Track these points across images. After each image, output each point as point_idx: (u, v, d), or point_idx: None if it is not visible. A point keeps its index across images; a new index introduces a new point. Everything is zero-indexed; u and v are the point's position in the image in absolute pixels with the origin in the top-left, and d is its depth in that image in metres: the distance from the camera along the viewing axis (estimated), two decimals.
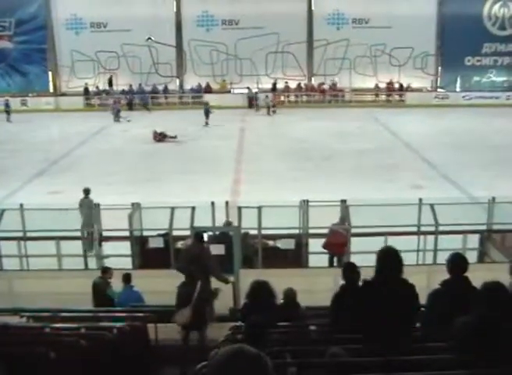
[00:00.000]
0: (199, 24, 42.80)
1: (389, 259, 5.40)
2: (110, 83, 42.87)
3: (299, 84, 42.79)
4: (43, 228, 13.04)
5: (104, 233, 13.24)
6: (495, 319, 4.25)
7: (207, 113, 33.70)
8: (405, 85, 42.20)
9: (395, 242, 12.00)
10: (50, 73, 43.35)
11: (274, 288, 7.22)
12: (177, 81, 43.53)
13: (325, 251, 13.41)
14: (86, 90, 41.79)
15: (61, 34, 42.51)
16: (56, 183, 21.52)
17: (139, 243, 13.12)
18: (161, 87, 42.41)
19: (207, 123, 33.25)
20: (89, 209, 14.72)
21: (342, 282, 6.92)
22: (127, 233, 12.92)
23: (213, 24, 42.78)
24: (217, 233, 12.97)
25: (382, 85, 42.81)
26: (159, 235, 13.14)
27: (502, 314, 4.27)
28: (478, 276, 5.44)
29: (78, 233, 12.78)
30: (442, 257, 11.38)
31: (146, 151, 27.14)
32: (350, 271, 6.84)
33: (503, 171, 22.18)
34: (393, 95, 42.31)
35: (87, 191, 16.04)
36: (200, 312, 8.99)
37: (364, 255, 11.54)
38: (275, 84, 42.50)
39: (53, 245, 12.89)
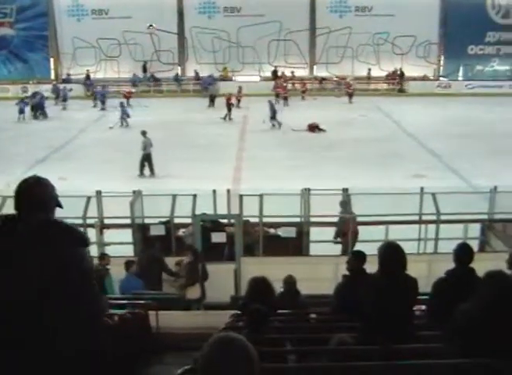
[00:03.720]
0: (201, 11, 42.60)
1: (390, 255, 5.35)
2: (144, 69, 42.71)
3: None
4: None
5: (106, 221, 13.24)
6: (496, 307, 4.25)
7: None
8: (408, 74, 42.10)
9: (396, 231, 12.14)
10: (51, 60, 43.25)
11: (272, 284, 7.16)
12: (179, 69, 43.41)
13: (328, 239, 13.46)
14: (87, 77, 41.73)
15: (62, 21, 42.31)
16: (58, 170, 21.49)
17: (140, 230, 13.15)
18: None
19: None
20: (150, 146, 21.32)
21: (345, 271, 6.90)
22: (129, 221, 12.93)
23: (215, 11, 42.58)
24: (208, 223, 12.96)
25: (385, 73, 42.68)
26: (161, 223, 13.16)
27: (504, 303, 4.27)
28: (479, 265, 5.46)
29: (80, 221, 12.76)
30: (444, 246, 11.47)
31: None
32: (359, 260, 6.81)
33: (506, 160, 22.12)
34: (396, 84, 42.14)
35: (144, 132, 21.70)
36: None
37: (365, 244, 11.59)
38: (275, 72, 42.28)
39: None
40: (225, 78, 42.17)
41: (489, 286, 4.39)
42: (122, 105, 30.99)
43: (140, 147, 21.64)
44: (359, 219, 12.92)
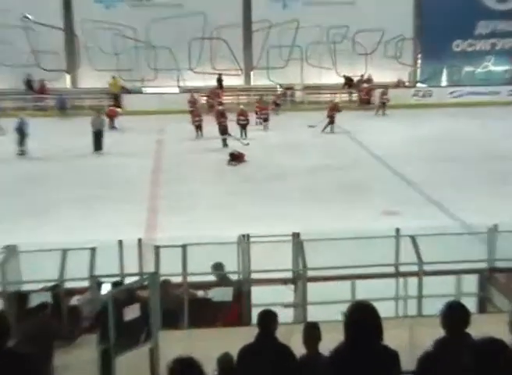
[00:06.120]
0: None
1: (360, 320, 5.30)
2: (29, 86, 42.44)
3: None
4: None
5: None
6: None
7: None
8: (374, 80, 42.90)
9: (366, 288, 12.16)
10: None
11: (202, 367, 7.01)
12: (68, 77, 43.03)
13: (276, 302, 13.36)
14: None
15: None
16: None
17: (16, 301, 12.79)
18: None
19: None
20: None
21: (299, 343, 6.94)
22: None
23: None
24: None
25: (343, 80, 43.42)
26: (45, 289, 12.85)
27: None
28: (478, 331, 5.44)
29: None
30: (429, 306, 11.54)
31: (26, 175, 26.57)
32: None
33: (503, 190, 22.59)
34: (359, 93, 42.71)
35: None
36: None
37: (323, 307, 11.58)
38: (220, 80, 42.69)
39: None
40: (113, 91, 42.01)
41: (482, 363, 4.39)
42: None
43: None
44: (316, 273, 12.89)
